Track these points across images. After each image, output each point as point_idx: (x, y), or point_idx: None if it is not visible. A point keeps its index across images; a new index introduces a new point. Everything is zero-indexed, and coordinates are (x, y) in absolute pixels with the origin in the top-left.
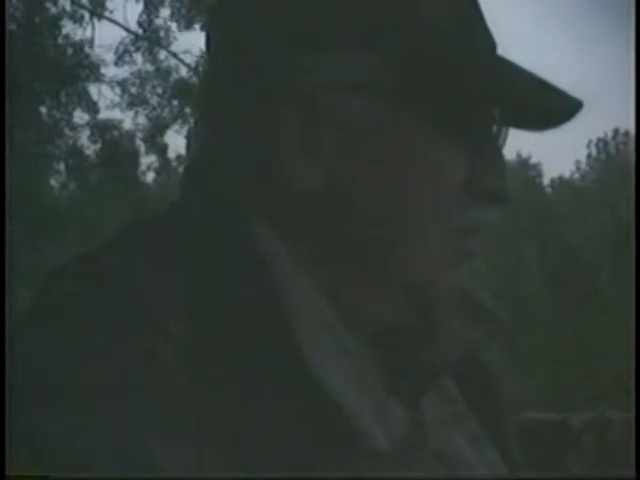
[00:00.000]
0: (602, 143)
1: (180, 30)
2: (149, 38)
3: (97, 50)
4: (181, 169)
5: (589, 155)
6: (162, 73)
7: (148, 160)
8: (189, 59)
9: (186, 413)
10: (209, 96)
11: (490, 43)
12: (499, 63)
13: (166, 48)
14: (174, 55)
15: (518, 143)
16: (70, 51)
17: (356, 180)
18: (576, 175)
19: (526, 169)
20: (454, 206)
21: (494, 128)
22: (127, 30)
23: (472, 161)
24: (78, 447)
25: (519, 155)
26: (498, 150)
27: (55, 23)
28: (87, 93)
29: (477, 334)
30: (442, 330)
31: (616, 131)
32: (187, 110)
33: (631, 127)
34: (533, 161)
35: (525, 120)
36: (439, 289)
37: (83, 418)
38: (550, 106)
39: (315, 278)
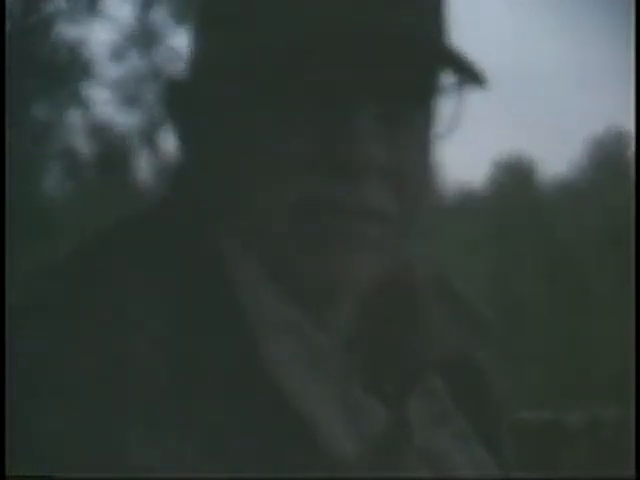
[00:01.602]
0: (598, 142)
1: (174, 28)
2: (144, 36)
3: (91, 49)
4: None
5: (585, 154)
6: (157, 72)
7: (142, 159)
8: (184, 57)
9: (164, 412)
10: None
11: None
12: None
13: (161, 46)
14: (170, 53)
15: (512, 142)
16: (64, 50)
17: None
18: (571, 174)
19: (520, 168)
20: (297, 177)
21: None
22: (121, 28)
23: (319, 135)
24: (56, 447)
25: (513, 154)
26: (350, 121)
27: (49, 22)
28: (81, 92)
29: (461, 332)
30: (426, 329)
31: (612, 130)
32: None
33: (630, 126)
34: (527, 160)
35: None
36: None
37: (61, 418)
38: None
39: (281, 287)
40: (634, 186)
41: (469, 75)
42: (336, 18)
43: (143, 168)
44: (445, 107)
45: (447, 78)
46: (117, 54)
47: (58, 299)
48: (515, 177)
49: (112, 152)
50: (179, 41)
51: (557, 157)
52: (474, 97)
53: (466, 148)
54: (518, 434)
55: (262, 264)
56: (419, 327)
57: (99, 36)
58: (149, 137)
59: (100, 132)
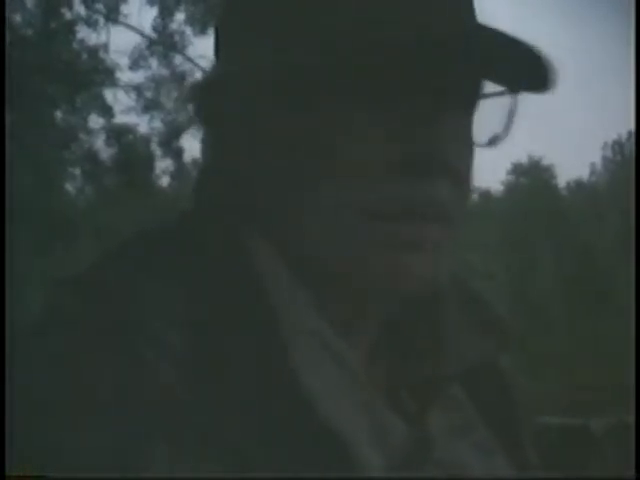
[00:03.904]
0: (617, 145)
1: (195, 34)
2: (164, 42)
3: (112, 55)
4: (196, 174)
5: (604, 157)
6: (177, 77)
7: (163, 164)
8: (204, 63)
9: (184, 428)
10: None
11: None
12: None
13: (181, 52)
14: (189, 59)
15: (532, 145)
16: (85, 56)
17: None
18: (591, 177)
19: (540, 171)
20: (377, 174)
21: (425, 96)
22: (142, 34)
23: (398, 131)
24: (74, 461)
25: (532, 157)
26: (430, 118)
27: (70, 28)
28: (102, 98)
29: (487, 345)
30: (449, 341)
31: (631, 133)
32: None
33: (633, 127)
34: (547, 163)
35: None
36: (372, 277)
37: (80, 433)
38: (517, 65)
39: (311, 294)
40: (634, 186)
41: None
42: (407, 18)
43: (163, 172)
44: (493, 110)
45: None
46: (138, 60)
47: (83, 314)
48: (533, 180)
49: (132, 156)
50: (199, 47)
51: (575, 160)
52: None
53: (483, 152)
54: (545, 440)
55: (296, 269)
56: (441, 335)
57: (120, 42)
58: (169, 142)
59: (121, 136)
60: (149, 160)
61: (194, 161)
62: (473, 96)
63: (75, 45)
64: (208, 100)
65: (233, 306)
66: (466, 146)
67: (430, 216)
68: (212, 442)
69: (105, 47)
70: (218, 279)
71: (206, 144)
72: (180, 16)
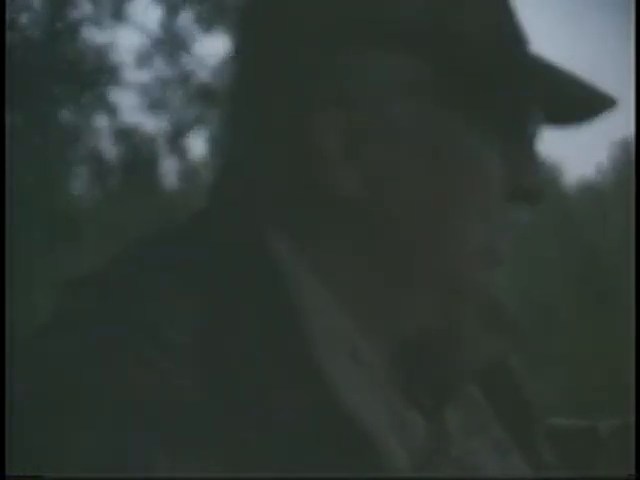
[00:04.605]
0: (624, 144)
1: (201, 33)
2: (170, 42)
3: (117, 54)
4: (202, 173)
5: (611, 156)
6: (183, 76)
7: (169, 164)
8: (210, 62)
9: (191, 431)
10: (237, 100)
11: (525, 42)
12: (537, 62)
13: (187, 51)
14: (195, 58)
15: (538, 144)
16: (90, 55)
17: (397, 183)
18: (597, 177)
19: (546, 170)
20: (494, 207)
21: (530, 127)
22: (147, 34)
23: (510, 161)
24: (77, 460)
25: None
26: (534, 149)
27: (75, 27)
28: (107, 97)
29: (502, 345)
30: (466, 340)
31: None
32: (208, 113)
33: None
34: (554, 162)
35: (562, 117)
36: (476, 291)
37: (84, 434)
38: (586, 102)
39: (338, 290)
40: (634, 187)
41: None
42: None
43: (168, 172)
44: None
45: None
46: (143, 59)
47: (93, 315)
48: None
49: (138, 156)
50: (205, 46)
51: (581, 159)
52: None
53: None
54: (551, 441)
55: (322, 270)
56: (459, 339)
57: (125, 41)
58: (175, 142)
59: (126, 136)
60: (154, 160)
61: (200, 161)
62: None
63: (80, 44)
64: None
65: (256, 305)
66: None
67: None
68: (221, 444)
69: (110, 46)
70: (239, 279)
71: (224, 143)
72: (186, 15)
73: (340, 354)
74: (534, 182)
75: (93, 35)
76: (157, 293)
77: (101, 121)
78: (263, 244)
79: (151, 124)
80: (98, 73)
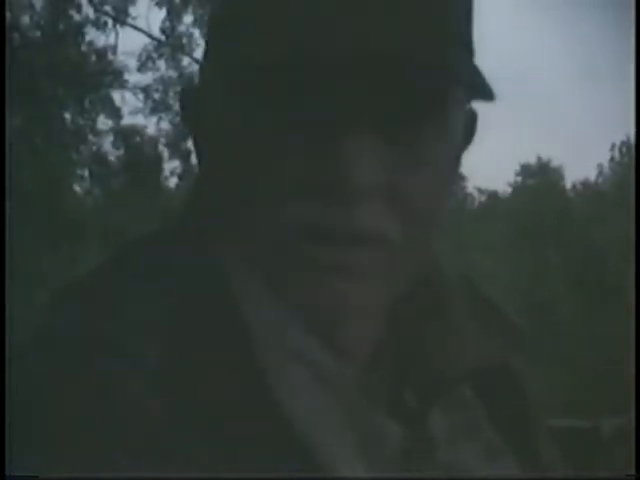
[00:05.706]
0: (625, 146)
1: (203, 36)
2: (172, 44)
3: (120, 57)
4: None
5: (612, 158)
6: (185, 79)
7: (171, 166)
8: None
9: (154, 443)
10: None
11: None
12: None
13: (189, 54)
14: (197, 61)
15: (539, 147)
16: (93, 58)
17: None
18: (598, 179)
19: (547, 172)
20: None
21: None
22: (150, 37)
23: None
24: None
25: (540, 158)
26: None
27: (78, 30)
28: (110, 99)
29: (495, 344)
30: (456, 340)
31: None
32: None
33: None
34: (555, 164)
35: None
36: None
37: (52, 449)
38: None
39: (292, 306)
40: (634, 188)
41: (475, 92)
42: (333, 34)
43: (171, 173)
44: (459, 120)
45: (454, 93)
46: (146, 62)
47: (64, 330)
48: (541, 181)
49: (140, 157)
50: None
51: (582, 161)
52: (498, 102)
53: (491, 153)
54: (554, 441)
55: (266, 287)
56: (449, 335)
57: (128, 44)
58: (177, 143)
59: (129, 138)
60: (157, 161)
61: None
62: (417, 113)
63: (83, 47)
64: (187, 105)
65: (209, 323)
66: (422, 165)
67: (348, 240)
68: (181, 460)
69: (113, 49)
70: (193, 293)
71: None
72: (188, 18)
73: (300, 375)
74: (331, 176)
75: (96, 37)
76: (126, 306)
77: (104, 123)
78: (216, 259)
79: (153, 126)
80: (101, 75)
